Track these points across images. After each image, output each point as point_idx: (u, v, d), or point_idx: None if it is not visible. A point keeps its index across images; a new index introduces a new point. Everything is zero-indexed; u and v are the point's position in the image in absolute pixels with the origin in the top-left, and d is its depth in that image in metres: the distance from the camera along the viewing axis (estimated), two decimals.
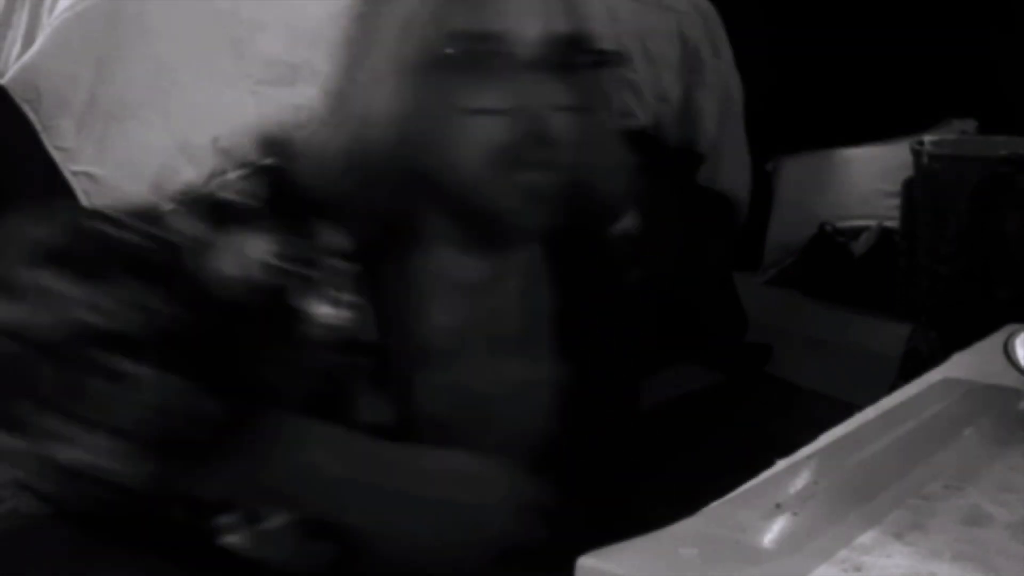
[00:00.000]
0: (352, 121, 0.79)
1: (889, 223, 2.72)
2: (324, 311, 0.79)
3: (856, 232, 2.86)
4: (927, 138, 2.42)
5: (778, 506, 0.44)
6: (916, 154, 2.34)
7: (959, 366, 0.75)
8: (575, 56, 0.79)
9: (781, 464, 0.51)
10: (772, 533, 0.43)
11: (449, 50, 0.75)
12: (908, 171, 2.45)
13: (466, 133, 0.77)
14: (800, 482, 0.47)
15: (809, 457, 0.52)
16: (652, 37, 2.46)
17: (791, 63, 3.24)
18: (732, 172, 2.80)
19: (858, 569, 0.42)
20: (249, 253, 0.78)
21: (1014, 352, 0.61)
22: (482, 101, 0.76)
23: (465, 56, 0.75)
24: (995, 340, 0.61)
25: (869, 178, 2.91)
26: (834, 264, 2.85)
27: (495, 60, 0.76)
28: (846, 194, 2.93)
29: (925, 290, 2.16)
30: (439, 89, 0.75)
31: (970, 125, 2.98)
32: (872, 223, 2.84)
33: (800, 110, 3.15)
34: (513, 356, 0.87)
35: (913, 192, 2.38)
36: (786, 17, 3.25)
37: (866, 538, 0.44)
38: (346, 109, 0.80)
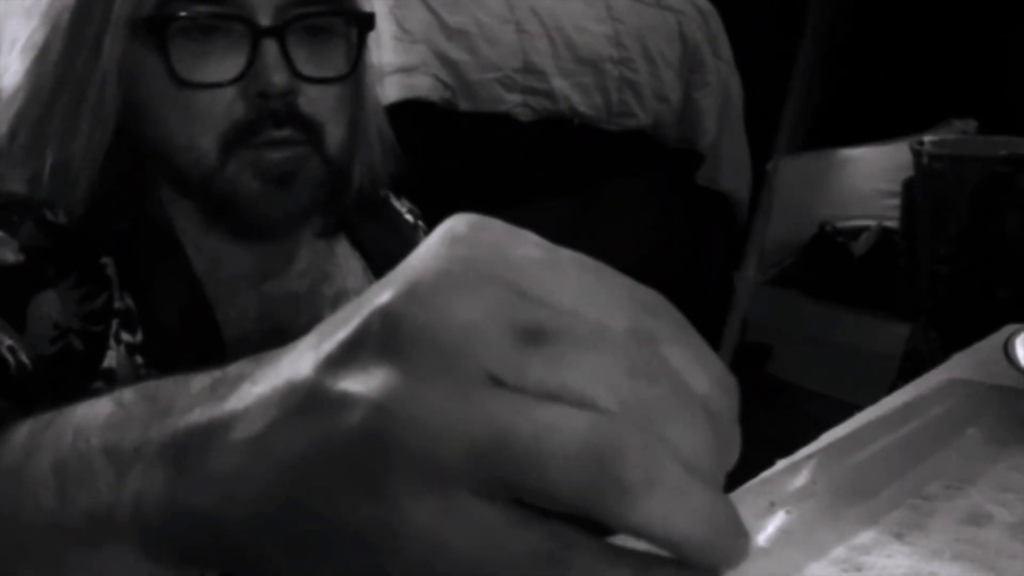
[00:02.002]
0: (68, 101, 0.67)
1: (889, 223, 2.72)
2: (115, 361, 0.66)
3: (856, 232, 2.86)
4: (927, 138, 2.42)
5: (772, 504, 0.44)
6: (916, 154, 2.34)
7: (959, 366, 0.75)
8: (324, 19, 0.68)
9: (781, 464, 0.51)
10: (766, 531, 0.42)
11: (171, 12, 0.65)
12: (908, 171, 2.45)
13: (192, 109, 0.66)
14: (797, 481, 0.47)
15: (808, 457, 0.52)
16: (652, 37, 2.47)
17: (792, 63, 3.23)
18: (732, 172, 2.81)
19: (858, 569, 0.41)
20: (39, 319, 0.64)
21: (1014, 352, 0.61)
22: (209, 73, 0.66)
23: (189, 20, 0.65)
24: (995, 340, 0.61)
25: (869, 178, 2.91)
26: (834, 264, 2.85)
27: (224, 24, 0.66)
28: (846, 194, 2.93)
29: (925, 290, 2.16)
30: (161, 58, 0.66)
31: (970, 125, 2.98)
32: (872, 223, 2.84)
33: (800, 110, 3.15)
34: None
35: (913, 192, 2.38)
36: (786, 17, 3.25)
37: (866, 538, 0.44)
38: (61, 85, 0.68)
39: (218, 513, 0.29)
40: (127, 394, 0.34)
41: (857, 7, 3.05)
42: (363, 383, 0.25)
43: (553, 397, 0.24)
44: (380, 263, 0.79)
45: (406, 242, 0.83)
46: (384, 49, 1.93)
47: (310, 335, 0.28)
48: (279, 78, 0.65)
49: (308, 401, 0.26)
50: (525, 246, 0.27)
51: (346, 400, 0.25)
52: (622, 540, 0.25)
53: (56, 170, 0.68)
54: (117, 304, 0.67)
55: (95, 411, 0.34)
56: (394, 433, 0.25)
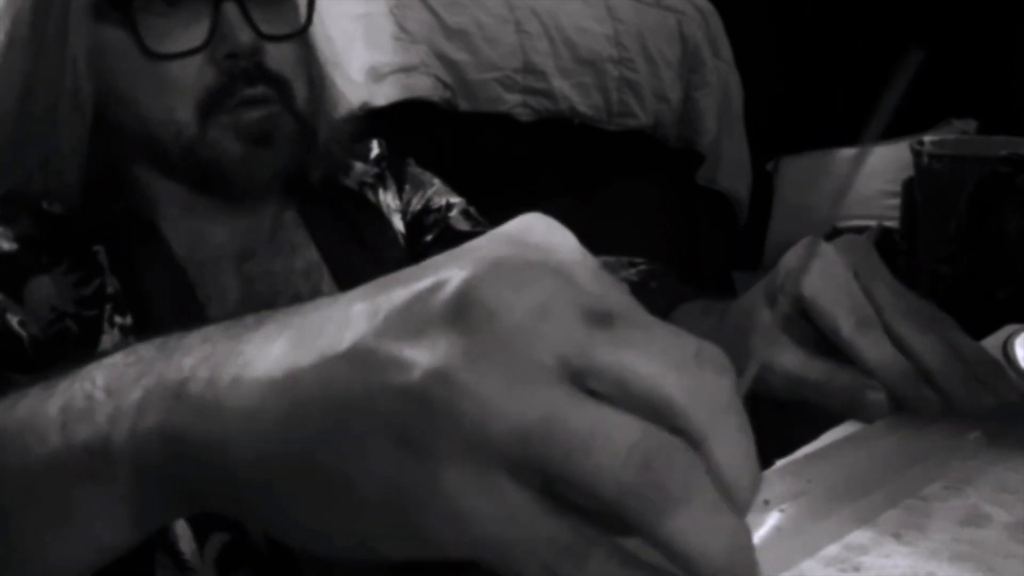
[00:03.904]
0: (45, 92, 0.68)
1: (889, 223, 2.72)
2: (110, 344, 0.67)
3: (856, 232, 2.86)
4: (927, 138, 2.42)
5: (766, 502, 0.44)
6: (916, 154, 2.34)
7: None
8: None
9: (780, 464, 0.51)
10: (759, 529, 0.43)
11: None
12: (908, 171, 2.45)
13: (164, 81, 0.68)
14: (792, 480, 0.47)
15: (806, 457, 0.52)
16: (652, 37, 2.47)
17: (792, 63, 3.24)
18: (732, 172, 2.81)
19: (857, 569, 0.42)
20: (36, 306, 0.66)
21: (1014, 352, 0.61)
22: (177, 43, 0.67)
23: None
24: (995, 340, 0.61)
25: (869, 178, 2.91)
26: None
27: None
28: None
29: (925, 290, 2.16)
30: (129, 34, 0.67)
31: (970, 125, 2.98)
32: (872, 223, 2.84)
33: (800, 110, 3.16)
34: None
35: (913, 192, 2.38)
36: (787, 17, 3.25)
37: (864, 538, 0.44)
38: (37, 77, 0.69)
39: (224, 447, 0.29)
40: (141, 345, 0.34)
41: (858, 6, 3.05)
42: (427, 348, 0.25)
43: (622, 382, 0.25)
44: (324, 243, 0.80)
45: (361, 231, 0.82)
46: (384, 49, 1.93)
47: (358, 292, 0.28)
48: (245, 37, 0.68)
49: (357, 353, 0.26)
50: (588, 259, 0.29)
51: (404, 361, 0.26)
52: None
53: (46, 164, 0.69)
54: (109, 289, 0.68)
55: (106, 360, 0.35)
56: (449, 400, 0.25)
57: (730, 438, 0.25)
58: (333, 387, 0.27)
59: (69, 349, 0.66)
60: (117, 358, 0.34)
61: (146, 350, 0.34)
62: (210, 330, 0.32)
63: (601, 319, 0.25)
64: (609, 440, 0.24)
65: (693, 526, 0.24)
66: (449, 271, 0.26)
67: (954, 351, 0.53)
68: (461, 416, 0.25)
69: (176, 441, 0.30)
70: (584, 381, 0.25)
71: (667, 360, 0.25)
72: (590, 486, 0.24)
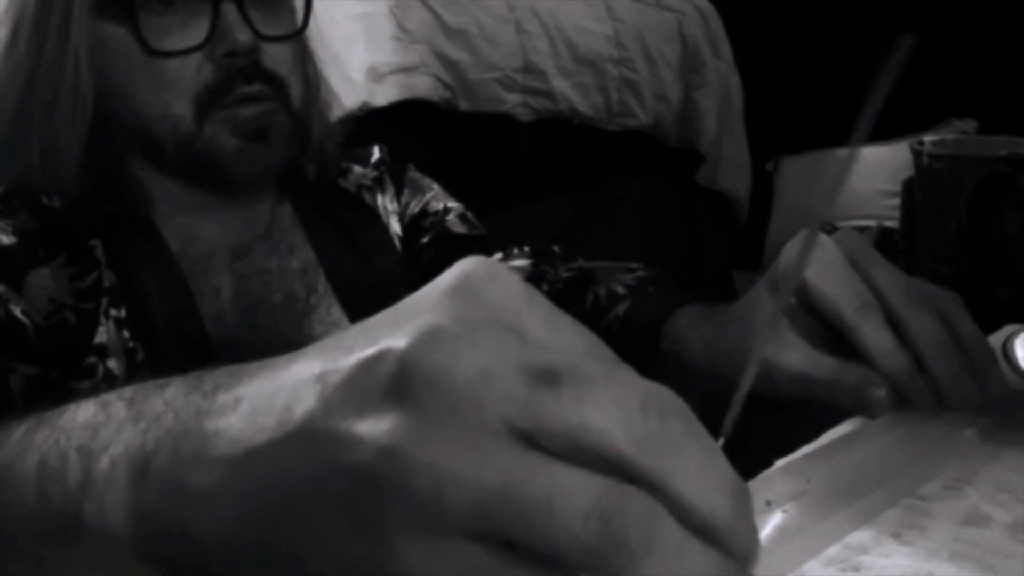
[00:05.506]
0: (47, 85, 0.69)
1: (889, 223, 2.72)
2: (106, 337, 0.68)
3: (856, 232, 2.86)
4: (927, 138, 2.43)
5: (768, 503, 0.44)
6: (916, 154, 2.34)
7: None
8: None
9: (780, 463, 0.51)
10: (762, 530, 0.43)
11: None
12: (908, 171, 2.45)
13: (163, 78, 0.69)
14: (794, 481, 0.47)
15: (806, 457, 0.52)
16: (652, 37, 2.47)
17: (792, 63, 3.24)
18: (732, 172, 2.81)
19: (857, 569, 0.42)
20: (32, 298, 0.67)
21: (1013, 353, 0.61)
22: (176, 41, 0.69)
23: None
24: (995, 340, 0.61)
25: (869, 178, 2.91)
26: None
27: None
28: (846, 194, 2.94)
29: None
30: (130, 32, 0.68)
31: (970, 125, 2.98)
32: (872, 223, 2.84)
33: (800, 110, 3.15)
34: (298, 319, 0.77)
35: (913, 192, 2.39)
36: (787, 17, 3.25)
37: (864, 537, 0.44)
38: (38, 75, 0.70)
39: (189, 526, 0.29)
40: (111, 396, 0.35)
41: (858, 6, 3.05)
42: (372, 424, 0.25)
43: (570, 440, 0.25)
44: (319, 243, 0.81)
45: (355, 233, 0.84)
46: (384, 49, 1.93)
47: (307, 357, 0.28)
48: (244, 36, 0.69)
49: (307, 432, 0.26)
50: (534, 302, 0.28)
51: (352, 439, 0.25)
52: None
53: (45, 158, 0.70)
54: (106, 283, 0.69)
55: (81, 412, 0.35)
56: (400, 477, 0.25)
57: (691, 476, 0.25)
58: (285, 469, 0.27)
59: (67, 340, 0.67)
60: (91, 410, 0.35)
61: (117, 407, 0.34)
62: (172, 393, 0.32)
63: (545, 377, 0.25)
64: (567, 503, 0.24)
65: (661, 572, 0.24)
66: (391, 339, 0.26)
67: (951, 337, 0.53)
68: (414, 492, 0.25)
69: (144, 520, 0.30)
70: (534, 442, 0.25)
71: (613, 414, 0.25)
72: (553, 549, 0.24)
